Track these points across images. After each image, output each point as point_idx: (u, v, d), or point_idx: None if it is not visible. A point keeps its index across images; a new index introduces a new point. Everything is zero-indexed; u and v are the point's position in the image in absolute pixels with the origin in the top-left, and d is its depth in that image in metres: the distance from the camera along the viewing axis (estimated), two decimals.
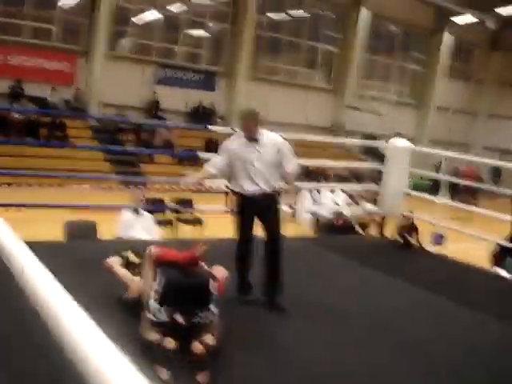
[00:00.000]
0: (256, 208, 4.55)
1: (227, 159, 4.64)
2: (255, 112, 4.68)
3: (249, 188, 4.53)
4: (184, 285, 3.45)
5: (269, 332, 4.06)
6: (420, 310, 5.03)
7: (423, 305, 5.18)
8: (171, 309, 3.34)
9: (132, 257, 4.36)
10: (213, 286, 3.50)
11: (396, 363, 3.78)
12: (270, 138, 4.63)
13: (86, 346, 0.90)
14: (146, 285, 3.65)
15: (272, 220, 4.59)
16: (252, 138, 4.57)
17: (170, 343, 3.23)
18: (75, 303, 1.03)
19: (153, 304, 3.36)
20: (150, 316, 3.36)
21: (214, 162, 4.74)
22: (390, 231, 7.93)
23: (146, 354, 3.25)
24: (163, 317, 3.33)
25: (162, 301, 3.36)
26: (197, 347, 3.28)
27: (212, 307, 3.44)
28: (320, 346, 3.90)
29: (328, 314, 4.52)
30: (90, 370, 0.86)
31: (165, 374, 3.13)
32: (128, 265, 4.30)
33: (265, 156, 4.52)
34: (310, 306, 4.62)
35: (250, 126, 4.58)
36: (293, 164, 4.69)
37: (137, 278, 3.97)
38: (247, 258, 4.66)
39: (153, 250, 3.82)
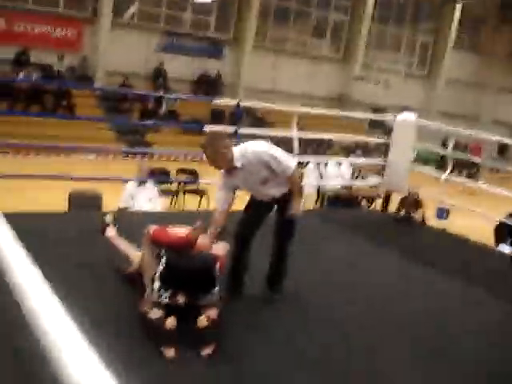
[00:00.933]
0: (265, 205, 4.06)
1: (229, 187, 3.98)
2: (213, 143, 3.80)
3: (254, 197, 4.13)
4: (187, 268, 3.41)
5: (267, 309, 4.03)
6: (412, 285, 5.05)
7: (415, 280, 5.20)
8: (173, 290, 3.34)
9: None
10: (216, 268, 3.48)
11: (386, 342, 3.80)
12: (249, 157, 3.81)
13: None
14: (147, 264, 3.64)
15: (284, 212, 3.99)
16: (230, 168, 3.85)
17: (171, 323, 3.23)
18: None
19: (155, 284, 3.37)
20: (152, 295, 3.36)
21: (219, 200, 4.00)
22: (395, 205, 7.89)
23: (148, 332, 3.27)
24: (165, 298, 3.33)
25: (163, 282, 3.36)
26: (201, 321, 3.28)
27: (215, 289, 3.44)
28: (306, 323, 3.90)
29: (317, 288, 4.49)
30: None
31: (171, 352, 3.14)
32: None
33: (252, 178, 3.88)
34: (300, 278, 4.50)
35: (216, 160, 3.80)
36: (288, 167, 3.87)
37: (139, 253, 3.95)
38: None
39: (151, 229, 3.74)
